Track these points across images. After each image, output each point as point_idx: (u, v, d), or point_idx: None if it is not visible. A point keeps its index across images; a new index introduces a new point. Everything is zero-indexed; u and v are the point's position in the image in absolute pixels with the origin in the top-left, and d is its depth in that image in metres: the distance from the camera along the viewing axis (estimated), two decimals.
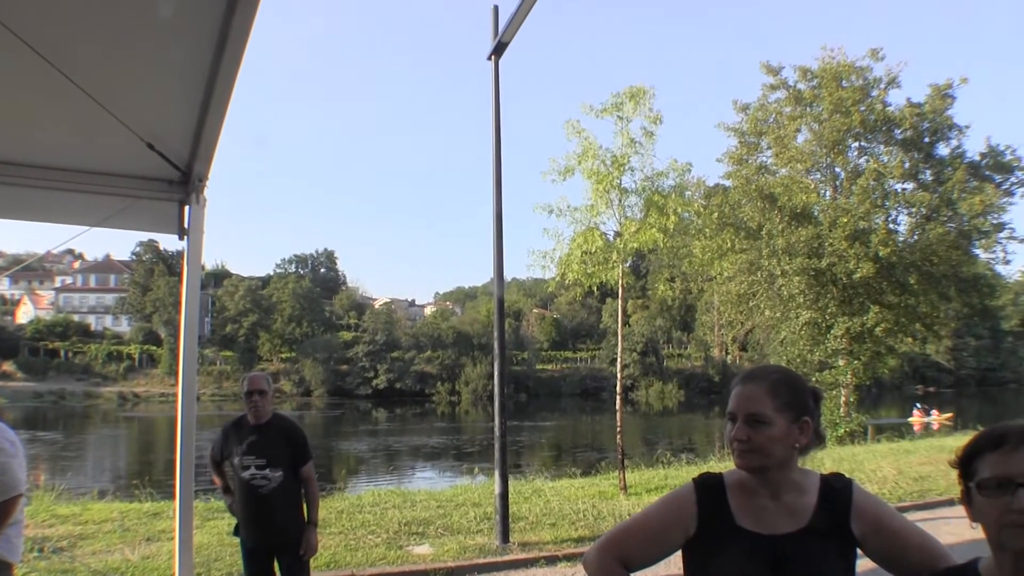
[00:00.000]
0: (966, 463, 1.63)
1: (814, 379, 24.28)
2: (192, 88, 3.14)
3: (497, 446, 8.98)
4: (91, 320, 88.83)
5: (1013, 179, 25.90)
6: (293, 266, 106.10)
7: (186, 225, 4.98)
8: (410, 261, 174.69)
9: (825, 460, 14.55)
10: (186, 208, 4.96)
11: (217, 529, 8.81)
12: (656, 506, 2.09)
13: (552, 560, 8.00)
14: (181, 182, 4.63)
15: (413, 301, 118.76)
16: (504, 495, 8.65)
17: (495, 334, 9.36)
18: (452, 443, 39.27)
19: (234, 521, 5.17)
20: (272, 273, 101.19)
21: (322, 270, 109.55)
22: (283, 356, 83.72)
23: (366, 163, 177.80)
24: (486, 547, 8.30)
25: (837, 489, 2.00)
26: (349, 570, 7.31)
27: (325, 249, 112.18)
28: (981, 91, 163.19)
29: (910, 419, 37.07)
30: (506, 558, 8.01)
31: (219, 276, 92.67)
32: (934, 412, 39.82)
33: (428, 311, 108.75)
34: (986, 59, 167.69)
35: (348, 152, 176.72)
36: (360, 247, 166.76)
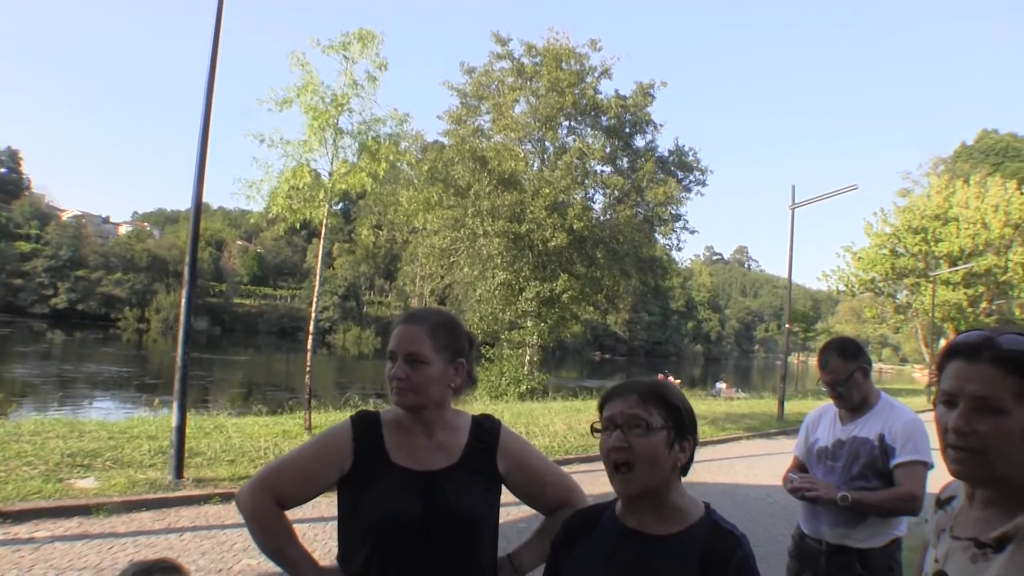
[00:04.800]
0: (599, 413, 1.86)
1: (503, 337, 25.78)
2: None
3: (177, 376, 8.61)
4: None
5: (691, 177, 29.39)
6: None
7: None
8: (109, 174, 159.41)
9: (505, 414, 15.38)
10: None
11: None
12: (311, 443, 2.10)
13: (227, 497, 7.82)
14: None
15: (108, 218, 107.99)
16: (181, 428, 8.33)
17: (187, 258, 8.97)
18: (136, 373, 37.13)
19: None
20: None
21: (2, 170, 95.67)
22: None
23: (73, 62, 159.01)
24: (157, 482, 7.98)
25: (487, 429, 2.13)
26: None
27: (9, 147, 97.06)
28: (677, 95, 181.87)
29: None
30: (178, 494, 7.76)
31: None
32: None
33: (123, 230, 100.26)
34: (684, 68, 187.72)
35: (51, 47, 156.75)
36: (53, 151, 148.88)
